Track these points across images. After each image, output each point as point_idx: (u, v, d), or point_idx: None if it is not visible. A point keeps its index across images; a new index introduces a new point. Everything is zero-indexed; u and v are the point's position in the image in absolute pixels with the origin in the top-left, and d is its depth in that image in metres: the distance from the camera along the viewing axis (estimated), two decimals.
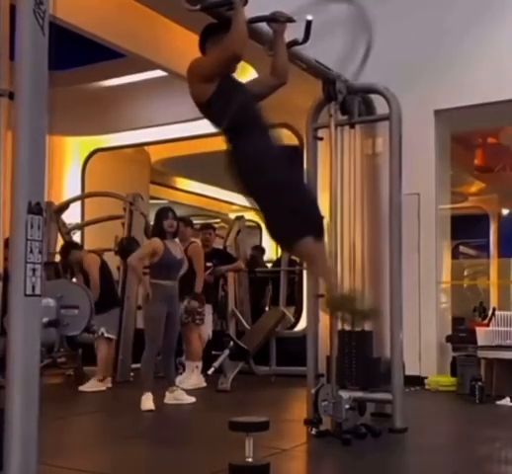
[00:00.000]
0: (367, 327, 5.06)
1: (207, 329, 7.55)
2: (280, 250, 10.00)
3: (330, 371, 4.68)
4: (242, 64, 4.50)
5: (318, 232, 3.59)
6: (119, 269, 8.03)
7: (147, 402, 5.69)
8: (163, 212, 6.13)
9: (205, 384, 7.01)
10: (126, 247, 7.59)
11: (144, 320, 6.14)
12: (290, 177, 3.54)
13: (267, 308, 9.74)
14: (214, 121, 3.53)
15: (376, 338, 5.09)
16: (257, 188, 3.41)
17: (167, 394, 6.01)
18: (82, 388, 6.88)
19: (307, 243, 3.48)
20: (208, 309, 7.57)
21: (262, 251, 11.21)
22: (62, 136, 10.15)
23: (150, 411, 5.62)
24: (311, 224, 3.54)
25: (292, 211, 3.44)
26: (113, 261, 8.00)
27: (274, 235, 3.60)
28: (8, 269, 2.40)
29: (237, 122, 3.38)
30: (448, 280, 8.06)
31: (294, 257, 3.52)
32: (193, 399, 6.04)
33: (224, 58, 3.37)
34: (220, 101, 3.38)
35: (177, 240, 6.35)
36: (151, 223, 8.81)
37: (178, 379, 7.14)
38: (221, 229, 9.59)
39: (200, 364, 7.14)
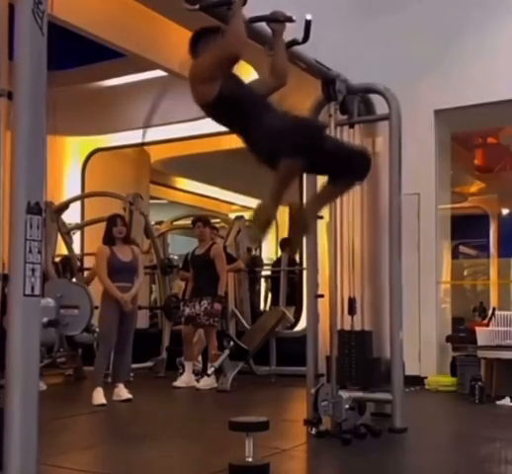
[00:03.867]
0: (366, 327, 5.07)
1: None
2: (280, 250, 10.01)
3: (330, 371, 4.67)
4: (243, 65, 4.51)
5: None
6: None
7: (98, 396, 5.90)
8: (113, 220, 6.44)
9: (216, 385, 7.03)
10: None
11: (98, 321, 6.44)
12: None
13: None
14: (221, 121, 3.52)
15: (376, 338, 5.10)
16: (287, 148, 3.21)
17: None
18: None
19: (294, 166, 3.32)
20: None
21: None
22: (62, 136, 10.15)
23: (102, 405, 5.82)
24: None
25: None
26: None
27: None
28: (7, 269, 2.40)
29: (245, 115, 3.36)
30: (448, 280, 8.06)
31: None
32: (129, 396, 6.12)
33: (223, 58, 3.35)
34: (225, 99, 3.37)
35: (134, 246, 6.59)
36: (152, 223, 8.88)
37: (180, 379, 7.17)
38: (221, 229, 9.58)
39: (216, 364, 7.10)
